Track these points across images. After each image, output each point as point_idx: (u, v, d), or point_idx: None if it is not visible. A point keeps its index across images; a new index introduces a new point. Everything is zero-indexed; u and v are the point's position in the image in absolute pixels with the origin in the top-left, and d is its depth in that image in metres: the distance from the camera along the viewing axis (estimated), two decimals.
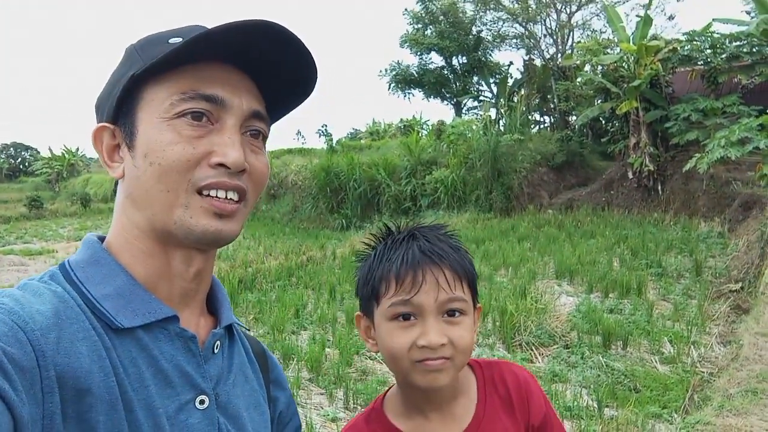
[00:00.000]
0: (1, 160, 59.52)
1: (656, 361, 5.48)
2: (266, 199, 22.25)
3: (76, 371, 0.65)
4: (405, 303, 0.98)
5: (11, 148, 61.39)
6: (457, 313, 1.00)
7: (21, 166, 58.60)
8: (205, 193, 0.76)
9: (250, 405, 0.88)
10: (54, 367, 0.63)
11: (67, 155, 43.35)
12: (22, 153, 60.62)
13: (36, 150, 56.61)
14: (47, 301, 0.69)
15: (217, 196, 0.76)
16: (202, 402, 0.77)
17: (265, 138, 0.85)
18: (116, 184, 0.83)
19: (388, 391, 1.14)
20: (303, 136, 24.03)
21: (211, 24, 0.78)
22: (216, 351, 0.83)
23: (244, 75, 0.81)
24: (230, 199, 0.77)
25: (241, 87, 0.80)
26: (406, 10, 25.69)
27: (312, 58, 0.82)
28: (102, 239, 0.83)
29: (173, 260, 0.79)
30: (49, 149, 45.19)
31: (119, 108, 0.78)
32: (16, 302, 0.66)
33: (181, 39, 0.77)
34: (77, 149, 44.57)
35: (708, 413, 3.85)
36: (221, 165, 0.76)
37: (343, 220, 18.17)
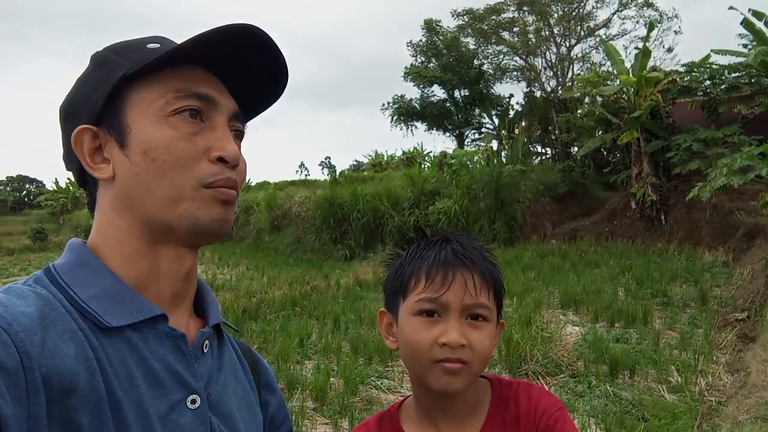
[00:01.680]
0: (6, 193, 59.87)
1: (664, 390, 5.43)
2: (270, 231, 22.27)
3: (61, 372, 0.64)
4: (432, 300, 0.99)
5: (16, 181, 61.81)
6: (480, 318, 1.01)
7: (25, 199, 58.88)
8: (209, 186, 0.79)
9: (242, 405, 0.87)
10: (39, 368, 0.62)
11: (72, 188, 43.53)
12: (27, 186, 61.03)
13: (41, 183, 56.94)
14: (32, 303, 0.68)
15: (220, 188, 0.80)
16: (193, 402, 0.77)
17: (241, 138, 0.88)
18: (93, 189, 0.84)
19: (407, 398, 1.13)
20: (306, 169, 24.11)
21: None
22: (205, 350, 0.83)
23: (218, 78, 0.84)
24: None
25: (222, 88, 0.84)
26: (410, 41, 26.11)
27: (286, 69, 0.87)
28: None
29: (163, 259, 0.80)
30: (55, 181, 45.29)
31: (102, 109, 0.79)
32: None
33: (157, 45, 0.81)
34: None
35: None
36: (220, 159, 0.79)
37: (347, 251, 18.14)
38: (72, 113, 0.82)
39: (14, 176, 61.96)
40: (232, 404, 0.85)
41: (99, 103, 0.79)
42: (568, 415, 1.08)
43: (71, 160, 0.83)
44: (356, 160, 35.63)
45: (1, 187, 60.63)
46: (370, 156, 33.39)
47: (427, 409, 1.06)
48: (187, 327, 0.83)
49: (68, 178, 44.49)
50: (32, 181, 61.26)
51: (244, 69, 0.85)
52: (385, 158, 32.12)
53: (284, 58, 0.86)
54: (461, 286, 0.99)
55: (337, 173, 23.00)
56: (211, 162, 0.79)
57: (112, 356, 0.71)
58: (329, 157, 24.30)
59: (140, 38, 0.84)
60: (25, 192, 60.63)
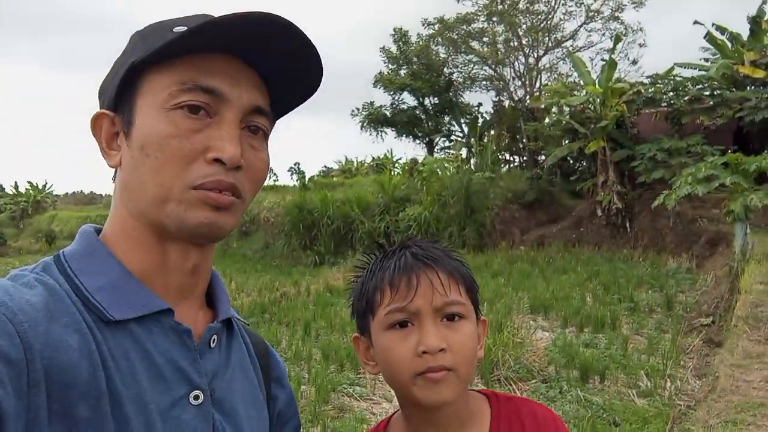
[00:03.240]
0: None
1: (634, 395, 5.49)
2: (238, 236, 21.99)
3: (63, 365, 0.63)
4: (401, 310, 0.93)
5: None
6: (456, 317, 0.94)
7: None
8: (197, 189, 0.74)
9: (248, 401, 0.85)
10: (41, 360, 0.61)
11: (32, 192, 42.40)
12: None
13: (0, 186, 55.26)
14: (38, 292, 0.67)
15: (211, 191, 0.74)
16: (196, 397, 0.75)
17: (266, 135, 0.82)
18: (115, 172, 0.80)
19: (393, 414, 1.07)
20: (275, 174, 23.85)
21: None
22: (213, 345, 0.81)
23: (248, 68, 0.78)
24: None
25: (243, 80, 0.77)
26: (383, 47, 26.20)
27: (317, 53, 0.79)
28: (99, 231, 0.80)
29: (169, 253, 0.77)
30: (15, 185, 44.04)
31: (119, 96, 0.77)
32: (5, 293, 0.64)
33: (185, 28, 0.74)
34: (44, 185, 43.62)
35: None
36: (217, 160, 0.73)
37: (317, 257, 18.04)
38: (100, 96, 0.82)
39: None
40: (237, 401, 0.83)
41: (114, 90, 0.77)
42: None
43: None
44: (326, 166, 35.44)
45: None
46: (339, 162, 33.34)
47: (416, 426, 0.99)
48: (194, 321, 0.81)
49: (28, 182, 43.41)
50: None
51: (273, 59, 0.78)
52: (355, 164, 32.09)
53: (316, 49, 0.79)
54: (428, 288, 0.93)
55: (307, 179, 22.86)
56: (207, 163, 0.73)
57: (114, 350, 0.70)
58: (298, 163, 24.11)
59: (174, 19, 0.78)
60: None
